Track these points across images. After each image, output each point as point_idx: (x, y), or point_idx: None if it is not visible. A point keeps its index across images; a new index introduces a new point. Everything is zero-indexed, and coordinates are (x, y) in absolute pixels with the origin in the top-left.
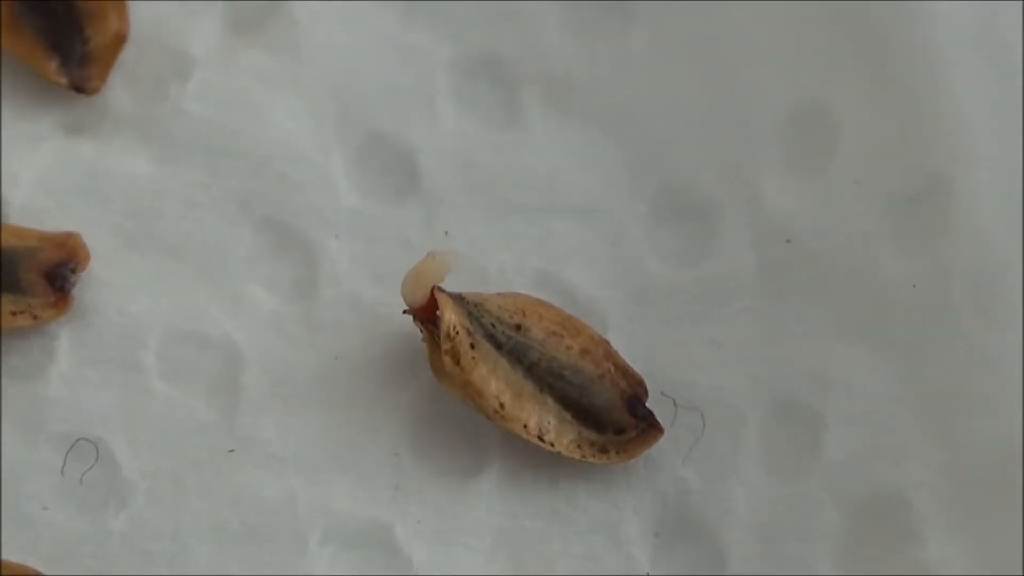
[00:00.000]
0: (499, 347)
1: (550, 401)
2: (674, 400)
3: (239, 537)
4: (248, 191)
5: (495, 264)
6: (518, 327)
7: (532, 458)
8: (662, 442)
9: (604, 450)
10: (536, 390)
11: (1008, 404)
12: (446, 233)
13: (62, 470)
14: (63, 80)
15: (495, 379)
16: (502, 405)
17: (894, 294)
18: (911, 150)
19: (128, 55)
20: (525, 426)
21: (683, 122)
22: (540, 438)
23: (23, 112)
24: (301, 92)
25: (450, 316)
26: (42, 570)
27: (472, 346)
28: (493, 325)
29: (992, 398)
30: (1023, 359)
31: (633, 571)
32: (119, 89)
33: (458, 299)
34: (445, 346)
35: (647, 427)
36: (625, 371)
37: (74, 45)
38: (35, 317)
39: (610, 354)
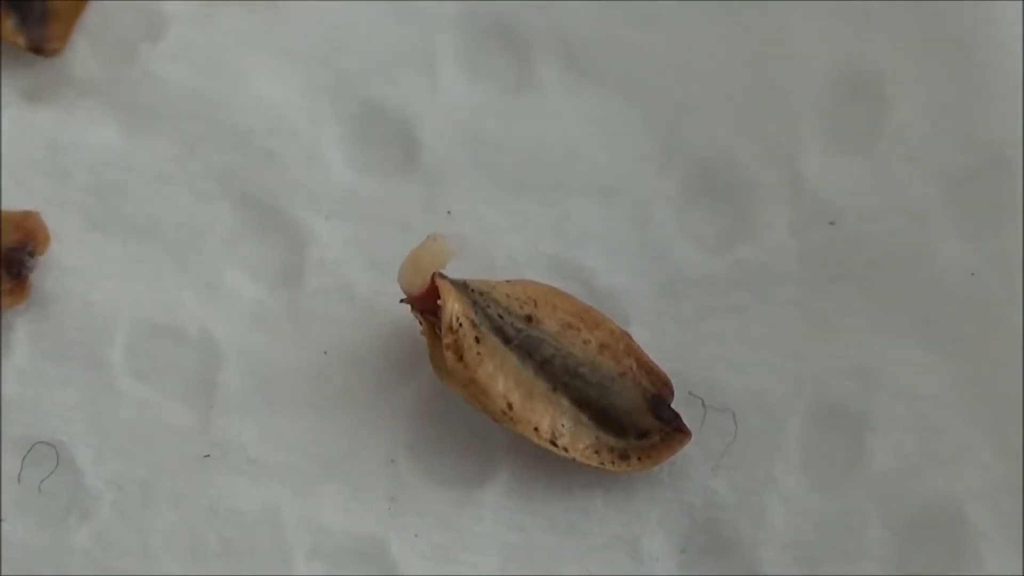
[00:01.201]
0: (507, 341)
1: (564, 401)
2: (703, 401)
3: (216, 554)
4: (227, 166)
5: (504, 249)
6: (529, 319)
7: (544, 465)
8: (689, 448)
9: (624, 456)
10: (549, 389)
11: None
12: (449, 213)
13: (18, 477)
14: (20, 40)
15: (503, 376)
16: (510, 406)
17: (950, 283)
18: (968, 123)
19: (93, 12)
20: (536, 429)
21: (715, 91)
22: (553, 443)
23: None
24: (287, 55)
25: (453, 306)
26: None
27: (477, 340)
28: (501, 316)
29: None
30: None
31: None
32: (83, 50)
33: (462, 287)
34: (447, 340)
35: (672, 431)
36: (649, 369)
37: (33, 1)
38: None
39: (632, 350)
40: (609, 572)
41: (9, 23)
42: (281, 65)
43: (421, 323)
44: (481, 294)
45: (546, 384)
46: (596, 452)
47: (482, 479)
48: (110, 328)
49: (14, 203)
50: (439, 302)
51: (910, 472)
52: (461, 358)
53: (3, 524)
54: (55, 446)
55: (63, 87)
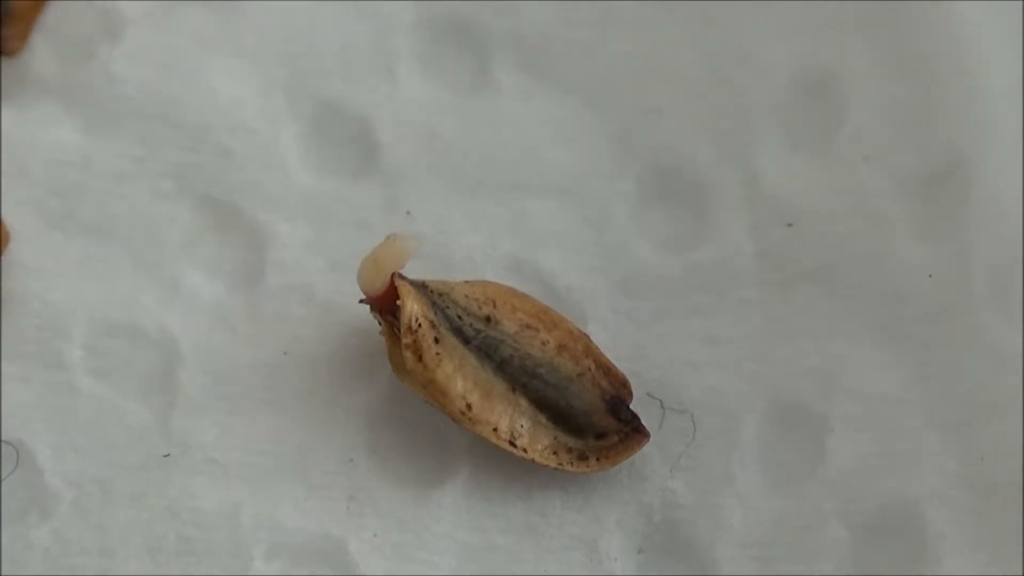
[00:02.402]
0: (466, 341)
1: (523, 402)
2: (662, 402)
3: (175, 553)
4: (186, 165)
5: (462, 249)
6: (488, 319)
7: (503, 465)
8: (648, 449)
9: (583, 457)
10: (507, 390)
11: None
12: (408, 213)
13: None
14: None
15: (462, 377)
16: (469, 406)
17: (907, 284)
18: (926, 124)
19: (52, 12)
20: (495, 429)
21: (672, 92)
22: (512, 443)
23: None
24: (245, 54)
25: (412, 307)
26: None
27: (436, 340)
28: (460, 317)
29: (1014, 401)
30: None
31: None
32: (42, 50)
33: (421, 288)
34: (406, 340)
35: (631, 432)
36: (607, 370)
37: None
38: None
39: (591, 350)
40: (567, 572)
41: None
42: (240, 65)
43: (380, 323)
44: (440, 295)
45: (505, 384)
46: (555, 453)
47: (441, 479)
48: (69, 327)
49: None
50: (398, 302)
51: (868, 472)
52: (420, 358)
53: None
54: (14, 445)
55: (22, 87)
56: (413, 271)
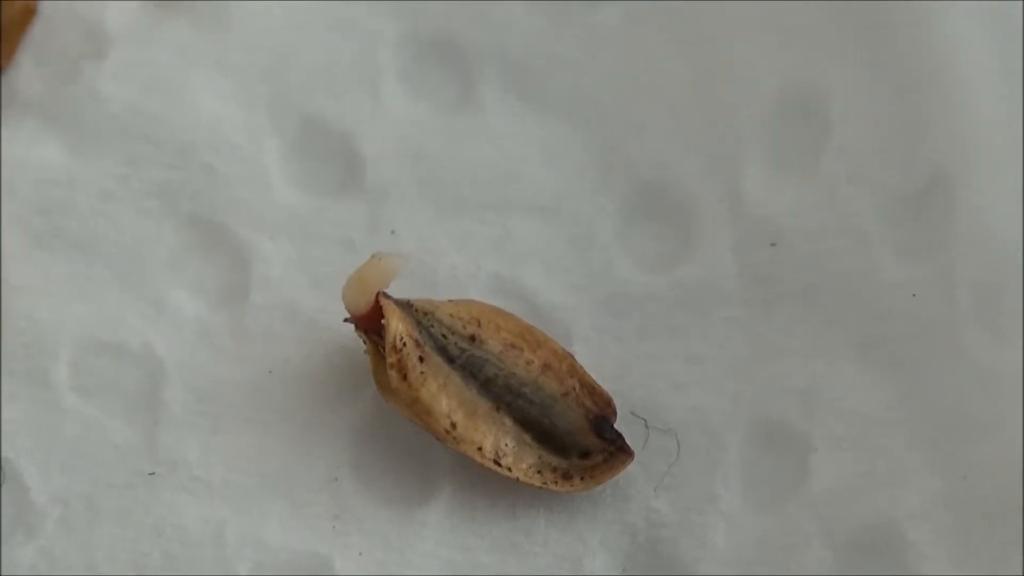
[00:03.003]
0: (451, 361)
1: (508, 421)
2: (646, 421)
3: (160, 570)
4: (170, 183)
5: (447, 267)
6: (472, 338)
7: (487, 484)
8: (632, 468)
9: (567, 476)
10: (492, 409)
11: (1012, 427)
12: (392, 232)
13: None
14: None
15: (446, 396)
16: (454, 425)
17: (891, 304)
18: (910, 143)
19: (37, 30)
20: (479, 449)
21: (657, 110)
22: (496, 462)
23: None
24: (230, 72)
25: (396, 325)
26: None
27: (421, 359)
28: (444, 336)
29: (996, 420)
30: None
31: None
32: (27, 68)
33: (406, 307)
34: (391, 359)
35: (615, 451)
36: (591, 389)
37: None
38: None
39: (575, 370)
40: None
41: None
42: (224, 83)
43: (365, 342)
44: (425, 314)
45: (489, 404)
46: (539, 472)
47: (426, 498)
48: (55, 345)
49: None
50: (383, 321)
51: (851, 491)
52: (405, 377)
53: None
54: (1, 463)
55: (7, 105)
56: (398, 290)
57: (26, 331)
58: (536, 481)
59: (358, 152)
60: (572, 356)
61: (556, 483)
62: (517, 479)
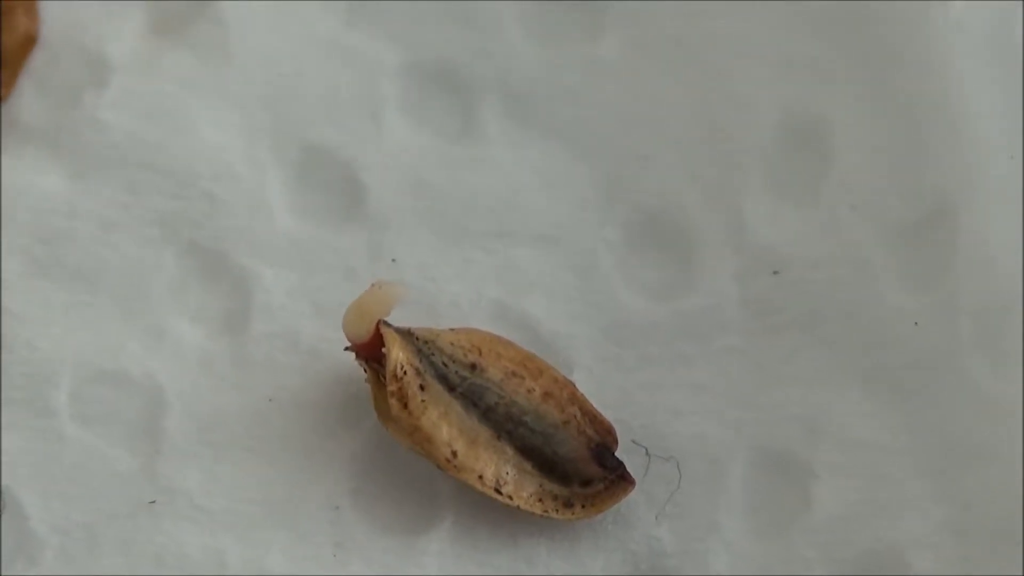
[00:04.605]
0: (452, 389)
1: (509, 449)
2: (647, 449)
3: None
4: (171, 212)
5: (448, 296)
6: (473, 367)
7: (488, 513)
8: (633, 496)
9: (569, 504)
10: (493, 437)
11: (1015, 455)
12: (393, 261)
13: None
14: None
15: (447, 424)
16: (455, 453)
17: (893, 332)
18: (913, 172)
19: (39, 59)
20: (481, 477)
21: (658, 138)
22: (497, 490)
23: None
24: (231, 101)
25: (397, 354)
26: None
27: (422, 387)
28: (445, 364)
29: (998, 448)
30: None
31: None
32: (28, 96)
33: (406, 335)
34: (391, 387)
35: (616, 479)
36: (593, 417)
37: None
38: None
39: (576, 398)
40: None
41: None
42: (225, 112)
43: (366, 370)
44: (426, 342)
45: (490, 432)
46: (540, 500)
47: (427, 526)
48: (56, 374)
49: None
50: (384, 350)
51: (853, 519)
52: (406, 406)
53: None
54: (0, 492)
55: (9, 133)
56: (398, 318)
57: (27, 359)
58: (537, 509)
59: (359, 181)
60: (573, 384)
61: (557, 511)
62: (518, 507)
